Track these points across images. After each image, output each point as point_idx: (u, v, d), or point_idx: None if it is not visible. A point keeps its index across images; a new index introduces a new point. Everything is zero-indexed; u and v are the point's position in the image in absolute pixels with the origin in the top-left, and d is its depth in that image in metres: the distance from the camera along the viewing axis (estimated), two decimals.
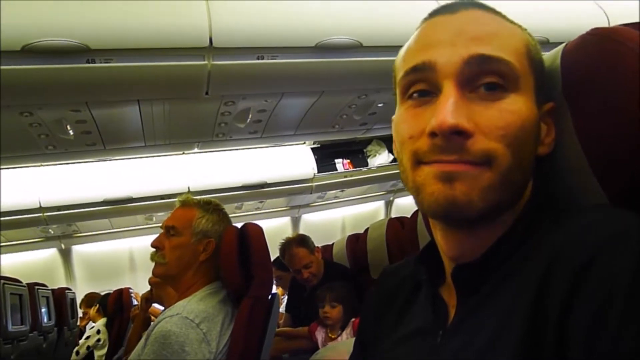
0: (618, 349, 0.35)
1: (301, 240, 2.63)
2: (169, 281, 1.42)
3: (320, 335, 2.28)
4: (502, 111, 0.46)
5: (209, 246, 1.38)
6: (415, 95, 0.50)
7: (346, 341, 2.10)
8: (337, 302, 2.21)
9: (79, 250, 5.05)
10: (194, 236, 1.37)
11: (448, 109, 0.45)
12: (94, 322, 3.96)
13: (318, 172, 4.47)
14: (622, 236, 0.39)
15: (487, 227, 0.50)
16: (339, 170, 4.61)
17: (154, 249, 1.40)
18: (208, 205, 1.43)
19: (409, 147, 0.50)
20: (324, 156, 4.65)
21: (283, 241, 2.71)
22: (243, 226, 1.41)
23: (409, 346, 0.57)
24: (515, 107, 0.47)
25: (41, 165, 3.73)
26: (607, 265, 0.37)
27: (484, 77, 0.47)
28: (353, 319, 2.23)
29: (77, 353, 3.60)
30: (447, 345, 0.50)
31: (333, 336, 2.21)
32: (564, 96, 0.50)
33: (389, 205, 5.95)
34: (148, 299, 2.53)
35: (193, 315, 1.21)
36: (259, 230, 1.39)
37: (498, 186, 0.46)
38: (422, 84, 0.49)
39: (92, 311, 3.93)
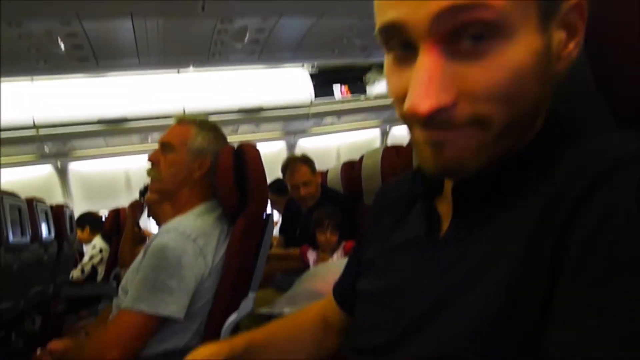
0: (609, 264, 0.34)
1: (306, 159, 2.70)
2: (165, 197, 1.43)
3: (312, 256, 2.36)
4: (488, 69, 0.40)
5: (204, 164, 1.39)
6: (395, 47, 0.45)
7: (337, 261, 2.17)
8: (337, 229, 2.28)
9: (76, 169, 5.08)
10: (189, 153, 1.37)
11: (420, 89, 0.40)
12: (85, 242, 4.06)
13: (315, 98, 4.42)
14: (626, 160, 0.37)
15: None
16: (337, 97, 4.57)
17: (150, 164, 1.40)
18: (204, 124, 1.42)
19: (397, 107, 0.46)
20: (322, 82, 4.58)
21: (288, 157, 2.76)
22: (239, 146, 1.41)
23: (400, 255, 0.59)
24: (505, 59, 0.40)
25: (32, 80, 3.66)
26: (608, 188, 0.36)
27: (464, 29, 0.40)
28: (344, 242, 2.30)
29: (83, 271, 3.74)
30: (439, 256, 0.51)
31: (325, 258, 2.29)
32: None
33: (385, 135, 5.94)
34: (135, 206, 2.60)
35: (190, 230, 1.24)
36: (255, 150, 1.39)
37: (494, 143, 0.44)
38: (399, 39, 0.44)
39: (85, 234, 4.02)
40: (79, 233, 4.02)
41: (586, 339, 0.34)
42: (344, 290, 0.77)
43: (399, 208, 0.65)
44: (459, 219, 0.52)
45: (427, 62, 0.41)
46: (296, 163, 2.66)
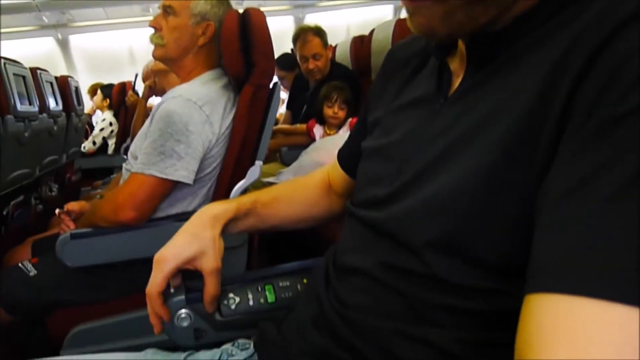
0: (619, 110, 0.32)
1: (319, 31, 2.59)
2: (168, 64, 1.40)
3: (318, 132, 2.37)
4: None
5: (208, 30, 1.33)
6: None
7: (343, 134, 2.19)
8: (345, 104, 2.26)
9: (78, 42, 4.94)
10: (192, 18, 1.31)
11: None
12: (101, 111, 4.10)
13: None
14: None
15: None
16: None
17: (153, 31, 1.35)
18: None
19: None
20: None
21: (300, 26, 2.68)
22: (245, 11, 1.34)
23: (407, 112, 0.58)
24: None
25: None
26: (626, 38, 0.34)
27: None
28: (350, 119, 2.29)
29: (94, 143, 3.82)
30: (446, 111, 0.51)
31: (331, 133, 2.31)
32: None
33: (398, 10, 5.63)
34: (151, 87, 2.59)
35: (195, 97, 1.23)
36: (262, 16, 1.32)
37: (459, 13, 0.44)
38: None
39: (98, 100, 4.03)
40: (99, 101, 4.04)
41: (586, 187, 0.32)
42: (348, 154, 0.79)
43: (409, 67, 0.64)
44: (471, 73, 0.50)
45: None
46: (308, 34, 2.56)
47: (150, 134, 1.22)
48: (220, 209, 0.73)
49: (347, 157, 0.79)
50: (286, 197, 0.82)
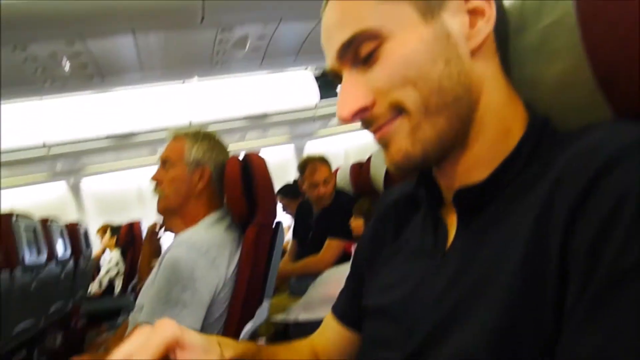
0: (621, 263, 0.33)
1: (324, 158, 2.70)
2: (173, 214, 1.42)
3: None
4: (385, 66, 0.48)
5: (204, 174, 1.38)
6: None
7: (349, 265, 2.16)
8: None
9: (88, 185, 5.13)
10: (188, 166, 1.37)
11: (340, 100, 0.51)
12: (110, 250, 4.13)
13: (321, 100, 4.42)
14: (627, 151, 0.36)
15: (466, 152, 0.50)
16: None
17: (154, 183, 1.41)
18: (197, 134, 1.42)
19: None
20: (327, 83, 4.57)
21: (306, 156, 2.79)
22: (245, 156, 1.41)
23: (406, 267, 0.58)
24: (394, 54, 0.48)
25: (41, 99, 3.71)
26: (611, 182, 0.36)
27: (357, 51, 0.49)
28: None
29: (100, 285, 3.79)
30: (447, 267, 0.50)
31: None
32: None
33: None
34: (154, 231, 2.61)
35: (200, 243, 1.24)
36: (262, 160, 1.39)
37: (425, 125, 0.48)
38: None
39: (107, 240, 4.08)
40: (109, 240, 4.09)
41: (606, 346, 0.33)
42: (346, 307, 0.72)
43: (399, 212, 0.65)
44: (463, 227, 0.51)
45: (344, 79, 0.52)
46: (316, 162, 2.66)
47: (156, 282, 1.22)
48: None
49: (345, 310, 0.71)
50: None
